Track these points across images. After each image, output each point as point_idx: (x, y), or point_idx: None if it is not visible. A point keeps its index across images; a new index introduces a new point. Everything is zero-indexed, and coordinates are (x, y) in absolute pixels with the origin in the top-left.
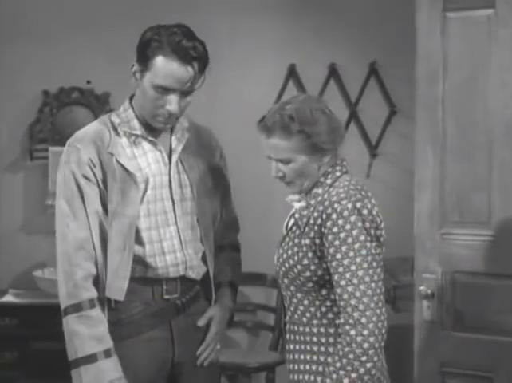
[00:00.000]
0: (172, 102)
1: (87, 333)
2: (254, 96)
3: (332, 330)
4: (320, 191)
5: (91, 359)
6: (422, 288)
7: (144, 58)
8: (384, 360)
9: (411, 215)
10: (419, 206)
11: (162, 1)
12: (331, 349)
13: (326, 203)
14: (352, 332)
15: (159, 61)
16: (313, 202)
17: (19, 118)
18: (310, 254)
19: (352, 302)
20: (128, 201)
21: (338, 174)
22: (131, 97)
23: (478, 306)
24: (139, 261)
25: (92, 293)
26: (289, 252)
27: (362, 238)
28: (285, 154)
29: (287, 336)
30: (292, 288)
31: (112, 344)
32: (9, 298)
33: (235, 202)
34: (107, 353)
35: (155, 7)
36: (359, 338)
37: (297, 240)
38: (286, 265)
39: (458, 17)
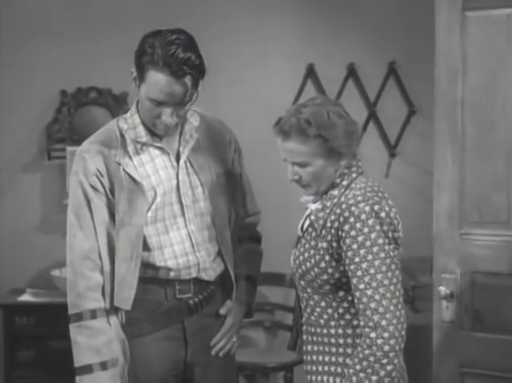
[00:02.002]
0: (167, 115)
1: (85, 343)
2: (273, 95)
3: (350, 331)
4: (336, 192)
5: (87, 369)
6: (441, 288)
7: (139, 69)
8: (402, 360)
9: (430, 215)
10: (438, 206)
11: (179, 2)
12: (349, 351)
13: (343, 205)
14: (373, 334)
15: (152, 75)
16: (328, 203)
17: (37, 118)
18: (327, 258)
19: (372, 305)
20: (135, 210)
21: (354, 175)
22: (138, 101)
23: (497, 306)
24: (148, 265)
25: (97, 303)
26: (306, 255)
27: (380, 241)
28: (301, 158)
29: (304, 337)
30: (309, 290)
31: (111, 356)
32: (26, 298)
33: None
34: (103, 366)
35: (173, 7)
36: (379, 341)
37: (313, 242)
38: (303, 267)
39: (477, 17)
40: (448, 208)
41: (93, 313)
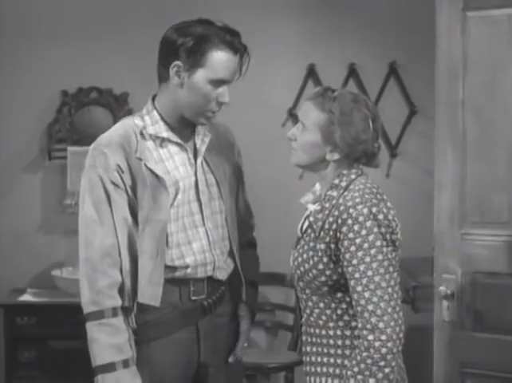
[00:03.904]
0: (226, 94)
1: (107, 341)
2: (273, 95)
3: (348, 333)
4: (334, 193)
5: (109, 368)
6: (441, 288)
7: (195, 55)
8: (401, 360)
9: (430, 215)
10: (439, 206)
11: (179, 2)
12: (347, 352)
13: (341, 207)
14: (370, 337)
15: (216, 56)
16: (327, 205)
17: (38, 118)
18: (325, 259)
19: (370, 307)
20: (159, 206)
21: (353, 177)
22: (153, 98)
23: (498, 306)
24: (165, 266)
25: (116, 301)
26: (304, 256)
27: (378, 243)
28: (306, 120)
29: (303, 338)
30: (307, 291)
31: (131, 354)
32: (27, 298)
33: (254, 201)
34: (125, 363)
35: (173, 7)
36: (377, 343)
37: (312, 244)
38: (301, 269)
39: (478, 17)
40: (449, 208)
41: (114, 311)
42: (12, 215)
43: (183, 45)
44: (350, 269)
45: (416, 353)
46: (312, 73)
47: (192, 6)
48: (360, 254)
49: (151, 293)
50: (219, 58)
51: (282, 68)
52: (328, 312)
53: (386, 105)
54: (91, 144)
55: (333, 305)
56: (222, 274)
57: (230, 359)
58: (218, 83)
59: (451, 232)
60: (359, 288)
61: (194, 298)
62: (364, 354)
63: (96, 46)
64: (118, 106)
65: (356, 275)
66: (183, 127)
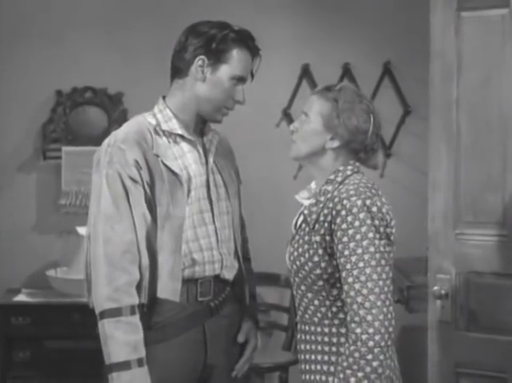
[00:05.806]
0: (242, 93)
1: (123, 339)
2: (268, 95)
3: (343, 330)
4: (330, 188)
5: (124, 366)
6: (436, 288)
7: (218, 51)
8: (396, 360)
9: (425, 215)
10: (433, 206)
11: (176, 1)
12: (342, 350)
13: (336, 199)
14: (358, 330)
15: (238, 54)
16: (322, 198)
17: (32, 118)
18: (320, 251)
19: (359, 299)
20: (176, 202)
21: (349, 173)
22: (163, 98)
23: (492, 306)
24: None
25: (134, 299)
26: (300, 250)
27: (371, 235)
28: (309, 110)
29: (298, 336)
30: (302, 287)
31: (144, 353)
32: (22, 298)
33: (248, 202)
34: (140, 362)
35: (169, 7)
36: (364, 336)
37: (307, 237)
38: (297, 263)
39: (472, 17)
40: (443, 208)
41: (132, 309)
42: (6, 214)
43: (209, 41)
44: (342, 260)
45: (410, 353)
46: (306, 73)
47: (187, 6)
48: (352, 245)
49: (171, 288)
50: (241, 56)
51: (277, 68)
52: (323, 310)
53: (380, 105)
54: (86, 143)
55: (328, 302)
56: (229, 274)
57: (233, 374)
58: (238, 80)
59: (445, 232)
60: (350, 279)
61: (200, 299)
62: (352, 348)
63: (91, 46)
64: (113, 106)
65: (348, 266)
66: (195, 125)
